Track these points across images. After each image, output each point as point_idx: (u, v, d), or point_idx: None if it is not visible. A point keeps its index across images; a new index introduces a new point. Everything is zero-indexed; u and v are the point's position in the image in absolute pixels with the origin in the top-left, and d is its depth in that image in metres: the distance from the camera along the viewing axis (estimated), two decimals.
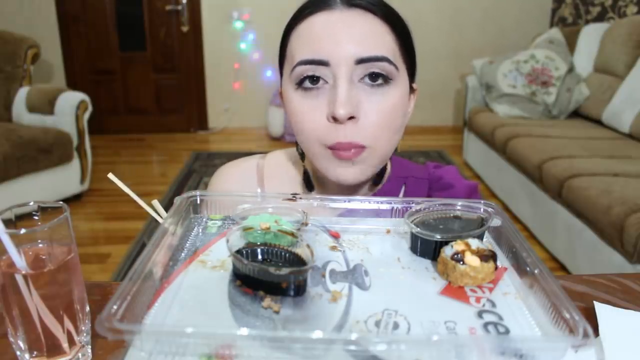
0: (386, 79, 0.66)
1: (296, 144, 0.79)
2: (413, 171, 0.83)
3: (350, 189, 0.77)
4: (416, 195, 0.81)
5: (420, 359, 0.41)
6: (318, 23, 0.66)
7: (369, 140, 0.66)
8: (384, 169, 0.79)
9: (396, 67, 0.66)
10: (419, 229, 0.56)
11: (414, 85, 0.74)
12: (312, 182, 0.80)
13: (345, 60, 0.64)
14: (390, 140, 0.69)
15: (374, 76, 0.65)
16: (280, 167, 0.84)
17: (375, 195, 0.80)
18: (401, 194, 0.82)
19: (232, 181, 0.83)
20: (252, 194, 0.73)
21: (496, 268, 0.52)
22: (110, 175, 0.65)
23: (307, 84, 0.66)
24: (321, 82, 0.66)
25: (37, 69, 3.42)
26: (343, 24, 0.65)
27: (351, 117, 0.64)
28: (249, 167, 0.84)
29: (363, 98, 0.65)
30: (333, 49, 0.64)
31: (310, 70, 0.65)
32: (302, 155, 0.79)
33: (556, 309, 0.45)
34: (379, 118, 0.66)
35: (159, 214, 0.65)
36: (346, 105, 0.63)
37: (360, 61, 0.64)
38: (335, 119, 0.64)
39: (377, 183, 0.79)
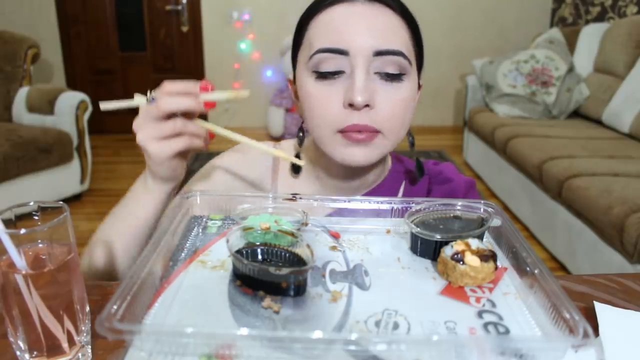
0: (400, 73, 0.68)
1: (298, 131, 0.80)
2: (413, 167, 0.83)
3: (353, 174, 0.77)
4: (416, 190, 0.81)
5: (420, 359, 0.41)
6: (339, 14, 0.68)
7: (384, 126, 0.68)
8: (383, 166, 0.79)
9: (410, 62, 0.69)
10: (419, 229, 0.56)
11: (420, 82, 0.76)
12: (297, 166, 0.80)
13: (364, 51, 0.66)
14: (400, 130, 0.71)
15: (389, 69, 0.67)
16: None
17: (375, 190, 0.80)
18: (401, 189, 0.82)
19: (248, 161, 0.82)
20: (252, 194, 0.73)
21: (496, 268, 0.52)
22: (102, 104, 0.64)
23: (325, 68, 0.68)
24: (338, 70, 0.67)
25: (37, 69, 3.42)
26: (363, 17, 0.67)
27: (367, 105, 0.66)
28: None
29: (378, 89, 0.67)
30: (353, 40, 0.66)
31: (328, 58, 0.67)
32: (301, 142, 0.81)
33: (556, 309, 0.45)
34: (393, 108, 0.68)
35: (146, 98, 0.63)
36: (364, 93, 0.65)
37: (378, 53, 0.66)
38: (351, 106, 0.66)
39: (376, 167, 0.78)
